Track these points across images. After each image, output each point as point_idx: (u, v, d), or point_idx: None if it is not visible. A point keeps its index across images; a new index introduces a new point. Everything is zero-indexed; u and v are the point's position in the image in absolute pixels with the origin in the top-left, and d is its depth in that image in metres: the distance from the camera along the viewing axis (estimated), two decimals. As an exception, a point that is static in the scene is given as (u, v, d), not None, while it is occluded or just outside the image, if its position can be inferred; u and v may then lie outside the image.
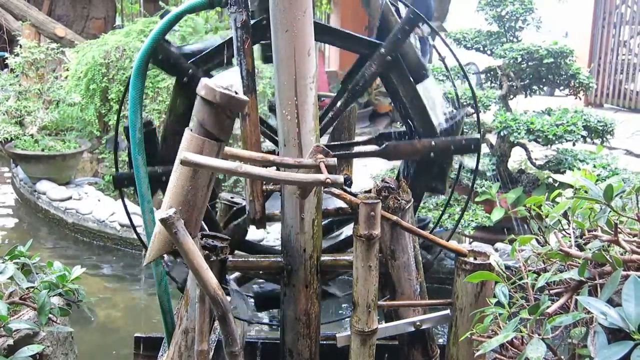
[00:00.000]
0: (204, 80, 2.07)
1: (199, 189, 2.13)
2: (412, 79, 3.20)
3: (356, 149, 3.49)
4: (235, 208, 3.60)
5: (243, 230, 3.40)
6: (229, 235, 3.34)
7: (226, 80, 2.07)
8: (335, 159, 2.32)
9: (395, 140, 3.30)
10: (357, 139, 3.66)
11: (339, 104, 3.28)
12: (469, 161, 3.46)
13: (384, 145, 3.26)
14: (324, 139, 3.37)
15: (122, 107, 3.40)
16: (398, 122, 3.60)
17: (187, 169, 2.08)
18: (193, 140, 2.10)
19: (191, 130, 2.14)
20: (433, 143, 3.18)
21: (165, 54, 3.03)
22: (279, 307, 3.12)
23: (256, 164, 2.29)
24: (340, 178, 2.17)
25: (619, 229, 1.87)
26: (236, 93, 2.05)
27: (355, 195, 2.47)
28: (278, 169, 2.46)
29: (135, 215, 4.46)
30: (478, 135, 3.31)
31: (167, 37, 3.10)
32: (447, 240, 3.79)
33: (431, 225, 3.86)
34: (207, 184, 2.16)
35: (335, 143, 3.54)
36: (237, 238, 3.37)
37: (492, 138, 6.61)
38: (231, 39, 3.08)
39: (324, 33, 3.15)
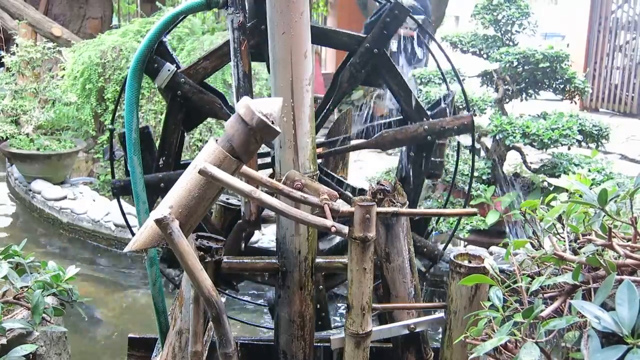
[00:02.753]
0: (246, 99, 2.08)
1: (204, 199, 2.13)
2: (399, 71, 3.27)
3: (352, 142, 3.52)
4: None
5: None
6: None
7: (267, 107, 2.08)
8: (339, 204, 2.33)
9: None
10: (353, 141, 3.67)
11: (358, 144, 3.34)
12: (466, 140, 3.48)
13: (376, 135, 3.28)
14: (319, 139, 3.38)
15: (118, 107, 3.42)
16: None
17: (200, 176, 2.08)
18: (216, 152, 2.09)
19: (216, 141, 2.14)
20: (425, 127, 3.22)
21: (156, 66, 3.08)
22: None
23: (262, 187, 2.30)
24: (345, 229, 2.21)
25: (613, 234, 1.88)
26: (272, 123, 2.07)
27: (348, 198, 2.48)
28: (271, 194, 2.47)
29: (130, 215, 4.46)
30: (470, 113, 3.34)
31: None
32: (445, 246, 3.81)
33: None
34: (213, 197, 2.16)
35: (330, 140, 3.57)
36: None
37: (488, 141, 6.62)
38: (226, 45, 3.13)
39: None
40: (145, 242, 2.17)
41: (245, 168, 2.31)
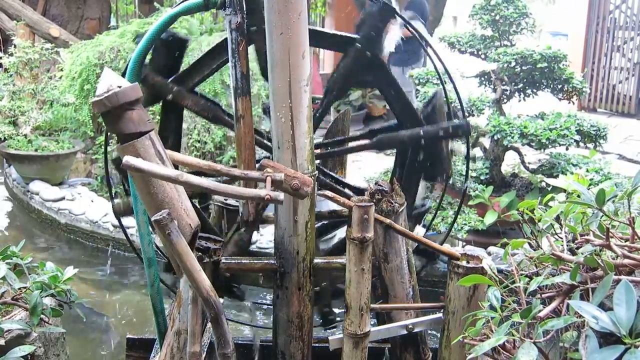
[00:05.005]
0: (91, 101, 2.05)
1: (164, 185, 2.11)
2: (393, 75, 3.24)
3: (349, 144, 3.50)
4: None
5: (247, 243, 3.40)
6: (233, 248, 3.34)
7: (104, 85, 2.03)
8: (283, 175, 2.29)
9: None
10: (352, 143, 3.67)
11: (355, 145, 3.33)
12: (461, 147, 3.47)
13: (374, 139, 3.27)
14: (317, 140, 3.38)
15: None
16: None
17: (141, 176, 2.06)
18: (124, 149, 2.06)
19: (118, 145, 2.12)
20: (421, 132, 3.20)
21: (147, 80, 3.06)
22: None
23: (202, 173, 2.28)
24: (280, 195, 2.14)
25: (610, 234, 1.88)
26: (120, 87, 2.02)
27: (348, 197, 2.48)
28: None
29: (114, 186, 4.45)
30: (466, 120, 3.31)
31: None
32: (441, 244, 3.81)
33: (431, 211, 3.83)
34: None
35: (329, 140, 3.56)
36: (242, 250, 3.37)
37: (486, 142, 6.63)
38: (213, 49, 3.13)
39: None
40: None
41: (180, 156, 2.29)
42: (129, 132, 2.05)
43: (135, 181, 2.12)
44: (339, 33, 3.22)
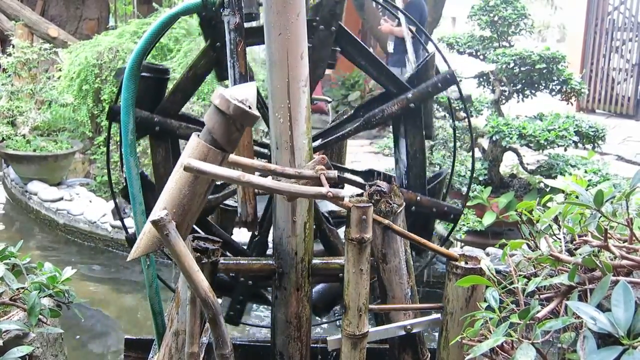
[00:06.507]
0: (219, 90, 2.07)
1: (196, 195, 2.12)
2: (423, 133, 3.29)
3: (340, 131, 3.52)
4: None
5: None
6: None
7: (242, 93, 2.06)
8: (336, 172, 2.33)
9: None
10: (350, 142, 3.66)
11: (349, 128, 3.32)
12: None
13: (364, 117, 3.29)
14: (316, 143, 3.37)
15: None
16: (391, 126, 3.59)
17: (188, 174, 2.07)
18: (199, 146, 2.09)
19: (198, 136, 2.13)
20: (409, 96, 3.22)
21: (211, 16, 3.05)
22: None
23: (256, 172, 2.30)
24: (342, 192, 2.18)
25: (609, 235, 1.88)
26: (250, 108, 2.05)
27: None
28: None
29: (127, 216, 4.47)
30: (450, 70, 3.34)
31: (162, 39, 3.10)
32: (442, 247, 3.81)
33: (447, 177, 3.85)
34: (205, 192, 2.15)
35: (318, 132, 3.56)
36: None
37: (484, 142, 6.63)
38: (194, 74, 3.14)
39: (360, 55, 3.23)
40: (145, 248, 2.17)
41: (235, 157, 2.31)
42: (216, 139, 2.08)
43: (178, 172, 2.12)
44: (398, 77, 3.30)
